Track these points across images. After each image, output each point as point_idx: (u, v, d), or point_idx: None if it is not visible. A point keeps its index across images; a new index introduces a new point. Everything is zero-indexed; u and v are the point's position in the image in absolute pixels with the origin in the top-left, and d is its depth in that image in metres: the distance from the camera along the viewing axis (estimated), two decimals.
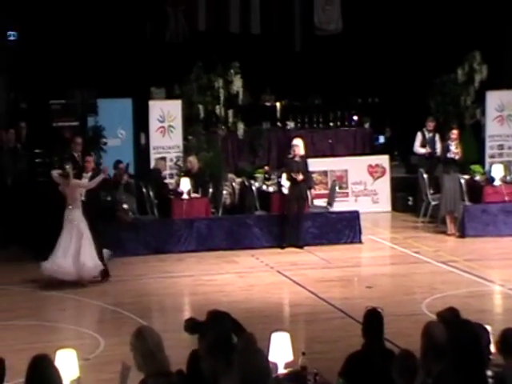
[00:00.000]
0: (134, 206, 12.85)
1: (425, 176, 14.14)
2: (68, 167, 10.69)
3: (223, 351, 4.15)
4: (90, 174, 11.17)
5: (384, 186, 15.59)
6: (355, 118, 17.28)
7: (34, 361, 4.07)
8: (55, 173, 10.83)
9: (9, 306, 9.59)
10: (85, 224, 10.50)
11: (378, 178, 15.63)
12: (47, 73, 15.64)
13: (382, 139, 17.44)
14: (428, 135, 14.84)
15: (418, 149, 14.84)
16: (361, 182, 15.54)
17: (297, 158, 12.68)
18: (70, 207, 10.53)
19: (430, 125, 14.81)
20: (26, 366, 4.09)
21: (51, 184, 11.12)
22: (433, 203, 13.94)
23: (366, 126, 17.07)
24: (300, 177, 12.50)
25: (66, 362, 4.94)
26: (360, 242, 12.87)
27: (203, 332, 4.38)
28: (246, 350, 3.83)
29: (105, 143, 13.43)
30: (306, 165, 12.85)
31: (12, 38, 16.52)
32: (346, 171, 15.52)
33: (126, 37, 16.49)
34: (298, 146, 12.71)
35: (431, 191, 14.08)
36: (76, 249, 10.37)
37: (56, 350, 4.91)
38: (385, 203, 15.55)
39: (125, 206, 12.51)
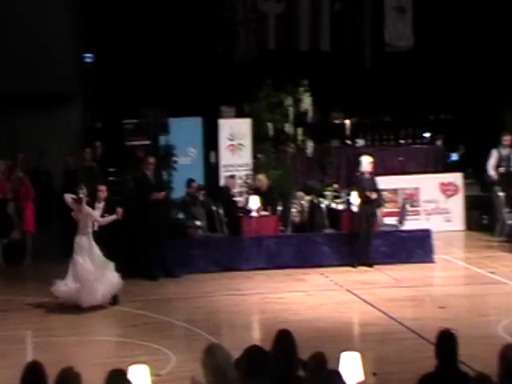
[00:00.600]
0: (205, 223, 12.98)
1: (500, 194, 13.77)
2: (81, 192, 10.53)
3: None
4: (102, 203, 11.10)
5: (457, 204, 15.27)
6: (427, 135, 17.02)
7: (110, 375, 4.14)
8: (68, 197, 10.66)
9: (85, 321, 9.80)
10: (97, 249, 10.33)
11: (451, 196, 15.33)
12: (121, 93, 16.04)
13: (454, 156, 17.09)
14: (504, 152, 14.47)
15: (491, 171, 14.44)
16: (433, 200, 15.27)
17: (366, 175, 12.57)
18: (81, 234, 10.43)
19: (506, 139, 14.41)
20: (101, 381, 4.16)
21: (125, 202, 11.32)
22: (509, 222, 13.54)
23: (439, 143, 16.78)
24: (374, 195, 12.39)
25: (139, 378, 5.00)
26: (432, 261, 12.62)
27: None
28: (321, 371, 3.80)
29: (175, 162, 13.64)
30: (375, 182, 12.72)
31: (88, 60, 17.04)
32: (417, 189, 15.28)
33: (197, 56, 16.76)
34: (371, 161, 12.61)
35: (507, 210, 13.69)
36: (95, 275, 10.19)
37: (128, 366, 4.98)
38: (458, 222, 15.22)
39: (198, 222, 12.65)
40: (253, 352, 4.26)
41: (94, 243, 10.39)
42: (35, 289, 11.77)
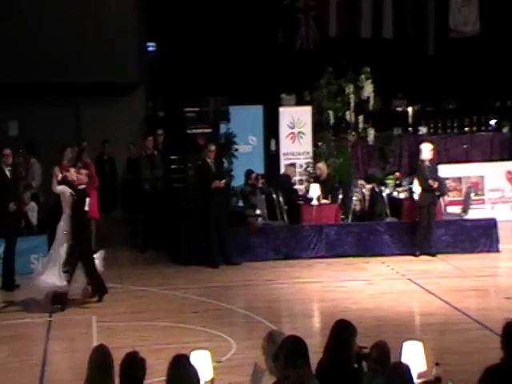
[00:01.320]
0: (265, 211, 13.00)
1: None
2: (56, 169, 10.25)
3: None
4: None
5: None
6: (492, 122, 16.61)
7: (175, 360, 4.20)
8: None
9: (148, 307, 9.96)
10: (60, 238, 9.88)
11: None
12: (183, 82, 16.17)
13: None
14: None
15: None
16: (498, 188, 14.92)
17: (427, 163, 12.36)
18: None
19: None
20: (165, 366, 4.22)
21: (186, 189, 11.41)
22: None
23: (505, 130, 16.36)
24: (436, 184, 12.18)
25: (201, 363, 5.04)
26: (497, 250, 12.34)
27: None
28: (386, 362, 3.76)
29: (236, 150, 13.68)
30: (436, 170, 12.50)
31: (151, 49, 17.23)
32: (482, 177, 14.95)
33: (258, 44, 16.75)
34: (431, 149, 12.40)
35: None
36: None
37: (191, 351, 5.03)
38: None
39: (258, 211, 12.68)
40: (289, 342, 4.25)
41: (60, 228, 9.98)
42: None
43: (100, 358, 4.45)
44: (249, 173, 13.25)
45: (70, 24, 15.67)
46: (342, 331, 4.85)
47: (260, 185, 13.13)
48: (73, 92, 16.23)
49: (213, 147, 12.30)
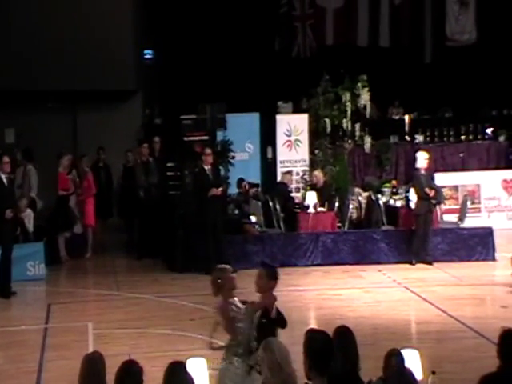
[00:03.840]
0: (261, 219, 13.01)
1: None
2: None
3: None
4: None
5: None
6: (489, 130, 16.65)
7: (170, 367, 4.19)
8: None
9: (144, 314, 9.95)
10: None
11: None
12: (180, 89, 16.20)
13: None
14: None
15: None
16: (494, 197, 14.95)
17: (422, 172, 12.40)
18: None
19: None
20: (161, 374, 4.21)
21: (183, 196, 11.41)
22: None
23: (501, 139, 16.40)
24: (432, 192, 12.21)
25: (197, 371, 5.04)
26: (493, 259, 12.36)
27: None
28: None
29: (233, 157, 13.70)
30: (432, 179, 12.54)
31: (148, 57, 17.25)
32: (478, 186, 14.98)
33: (255, 52, 16.80)
34: (427, 157, 12.43)
35: None
36: None
37: (187, 359, 5.03)
38: None
39: (253, 219, 12.69)
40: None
41: None
42: (97, 281, 12.01)
43: (91, 365, 4.43)
44: (240, 181, 13.28)
45: (67, 32, 15.68)
46: (345, 337, 4.84)
47: (251, 193, 13.12)
48: (70, 99, 16.24)
49: (209, 150, 12.30)
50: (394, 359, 4.87)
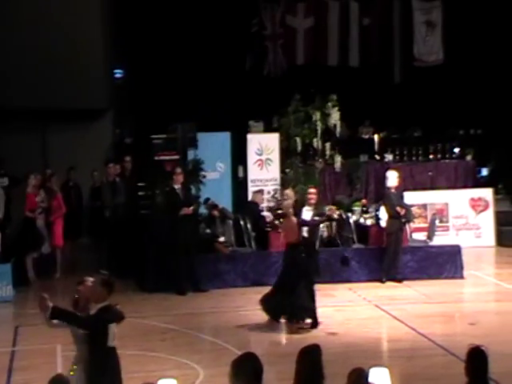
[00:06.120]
0: (232, 238, 13.00)
1: None
2: None
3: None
4: None
5: (487, 219, 15.12)
6: (457, 150, 16.90)
7: None
8: None
9: None
10: None
11: (481, 211, 15.18)
12: (150, 108, 16.19)
13: (485, 172, 16.95)
14: None
15: None
16: (462, 215, 15.14)
17: (393, 191, 12.52)
18: None
19: None
20: None
21: (154, 216, 11.37)
22: None
23: (468, 158, 16.64)
24: (403, 211, 12.33)
25: None
26: (462, 277, 12.49)
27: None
28: None
29: (204, 176, 13.70)
30: (402, 197, 12.68)
31: (119, 76, 17.24)
32: (446, 204, 15.16)
33: (226, 71, 16.88)
34: (397, 176, 12.57)
35: None
36: None
37: (158, 380, 5.00)
38: (488, 238, 15.06)
39: (221, 239, 12.69)
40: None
41: None
42: (66, 302, 11.84)
43: None
44: (205, 201, 13.29)
45: (37, 49, 15.62)
46: (308, 356, 4.86)
47: (216, 213, 13.08)
48: (39, 117, 16.14)
49: (179, 170, 12.34)
50: (356, 377, 4.89)
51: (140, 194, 14.23)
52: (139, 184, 14.30)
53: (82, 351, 6.00)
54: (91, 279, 6.17)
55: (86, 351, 5.91)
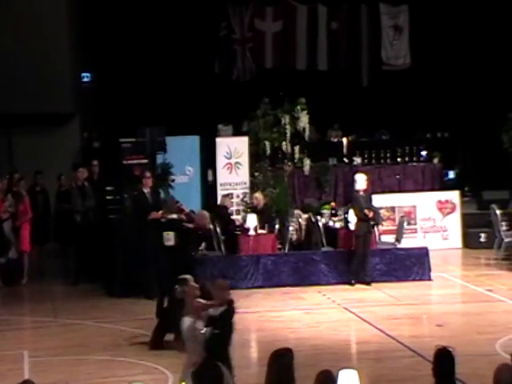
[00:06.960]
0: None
1: (498, 212, 13.80)
2: None
3: None
4: None
5: (454, 222, 15.29)
6: (424, 153, 17.07)
7: None
8: None
9: (83, 340, 9.76)
10: None
11: (448, 214, 15.34)
12: (118, 112, 16.10)
13: (451, 174, 17.15)
14: None
15: None
16: (430, 218, 15.28)
17: (361, 193, 12.60)
18: None
19: None
20: None
21: (122, 220, 11.29)
22: (506, 240, 13.55)
23: (435, 161, 16.82)
24: (371, 214, 12.41)
25: None
26: (429, 279, 12.60)
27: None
28: None
29: (173, 180, 13.65)
30: (370, 200, 12.75)
31: (86, 79, 17.10)
32: (414, 207, 15.30)
33: (194, 75, 16.86)
34: (365, 179, 12.65)
35: (504, 228, 13.71)
36: None
37: None
38: (455, 240, 15.23)
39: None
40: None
41: None
42: (33, 308, 11.74)
43: None
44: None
45: (3, 53, 15.44)
46: (279, 360, 4.87)
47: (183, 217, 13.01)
48: (6, 122, 15.94)
49: (148, 174, 12.28)
50: (323, 379, 4.90)
51: (108, 198, 14.13)
52: (107, 188, 14.21)
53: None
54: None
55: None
